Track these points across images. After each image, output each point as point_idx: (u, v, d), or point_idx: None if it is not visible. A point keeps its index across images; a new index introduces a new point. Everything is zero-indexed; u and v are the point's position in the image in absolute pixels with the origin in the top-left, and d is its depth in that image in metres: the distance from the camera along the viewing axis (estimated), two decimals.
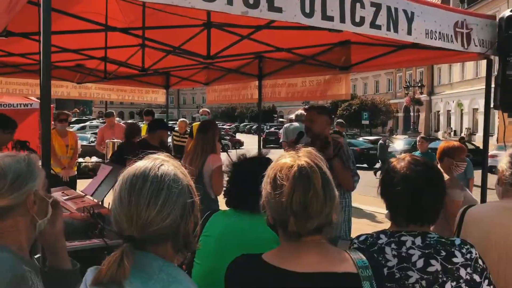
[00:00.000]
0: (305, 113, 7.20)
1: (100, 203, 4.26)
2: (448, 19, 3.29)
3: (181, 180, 1.20)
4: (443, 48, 3.35)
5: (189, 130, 9.19)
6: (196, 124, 9.05)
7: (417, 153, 7.84)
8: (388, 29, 2.94)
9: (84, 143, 16.05)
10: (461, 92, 39.39)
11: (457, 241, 1.59)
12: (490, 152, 9.59)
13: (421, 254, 1.56)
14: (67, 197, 4.38)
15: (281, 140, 7.76)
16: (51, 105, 14.65)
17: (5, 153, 1.54)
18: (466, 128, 38.89)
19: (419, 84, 38.15)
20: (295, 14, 2.59)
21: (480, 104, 30.94)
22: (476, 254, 1.57)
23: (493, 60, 3.69)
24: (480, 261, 1.57)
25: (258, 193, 2.04)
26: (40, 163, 1.59)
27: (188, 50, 4.51)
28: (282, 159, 1.36)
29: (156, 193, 1.14)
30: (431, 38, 3.17)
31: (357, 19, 2.82)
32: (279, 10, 2.53)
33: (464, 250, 1.56)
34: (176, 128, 10.00)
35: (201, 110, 9.48)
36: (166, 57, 5.36)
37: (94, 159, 7.44)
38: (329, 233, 1.36)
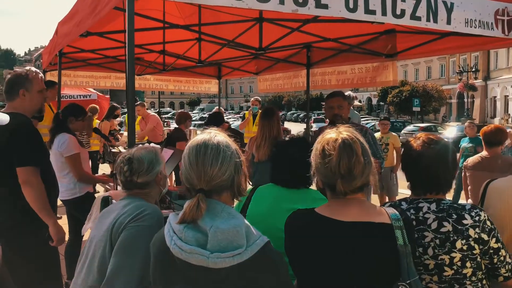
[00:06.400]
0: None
1: None
2: (489, 7, 3.45)
3: (231, 145, 1.58)
4: (485, 36, 3.51)
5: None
6: (247, 112, 9.39)
7: (466, 139, 7.76)
8: (428, 19, 3.16)
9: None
10: None
11: (468, 206, 1.84)
12: None
13: (435, 217, 1.83)
14: None
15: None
16: (107, 96, 15.11)
17: (140, 146, 2.32)
18: None
19: (474, 69, 36.60)
20: (340, 10, 2.88)
21: None
22: (484, 216, 1.80)
23: None
24: (488, 222, 1.79)
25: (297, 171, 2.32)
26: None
27: (241, 43, 4.86)
28: (327, 135, 1.69)
29: (216, 156, 1.52)
30: (471, 27, 3.35)
31: (398, 12, 3.06)
32: (325, 6, 2.84)
33: (473, 213, 1.79)
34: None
35: (252, 99, 9.28)
36: (220, 50, 5.75)
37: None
38: (366, 192, 1.69)
